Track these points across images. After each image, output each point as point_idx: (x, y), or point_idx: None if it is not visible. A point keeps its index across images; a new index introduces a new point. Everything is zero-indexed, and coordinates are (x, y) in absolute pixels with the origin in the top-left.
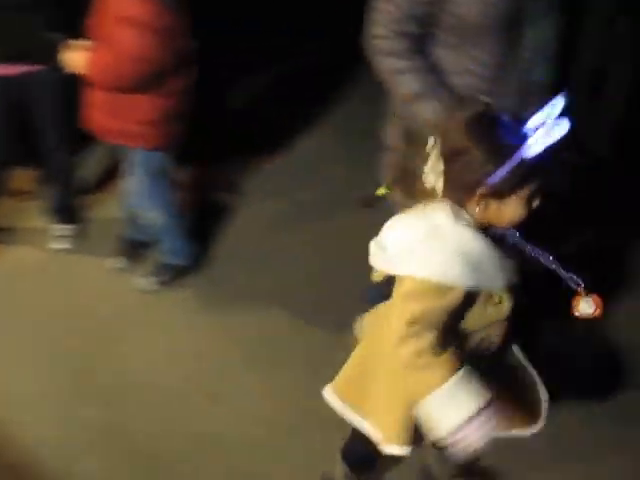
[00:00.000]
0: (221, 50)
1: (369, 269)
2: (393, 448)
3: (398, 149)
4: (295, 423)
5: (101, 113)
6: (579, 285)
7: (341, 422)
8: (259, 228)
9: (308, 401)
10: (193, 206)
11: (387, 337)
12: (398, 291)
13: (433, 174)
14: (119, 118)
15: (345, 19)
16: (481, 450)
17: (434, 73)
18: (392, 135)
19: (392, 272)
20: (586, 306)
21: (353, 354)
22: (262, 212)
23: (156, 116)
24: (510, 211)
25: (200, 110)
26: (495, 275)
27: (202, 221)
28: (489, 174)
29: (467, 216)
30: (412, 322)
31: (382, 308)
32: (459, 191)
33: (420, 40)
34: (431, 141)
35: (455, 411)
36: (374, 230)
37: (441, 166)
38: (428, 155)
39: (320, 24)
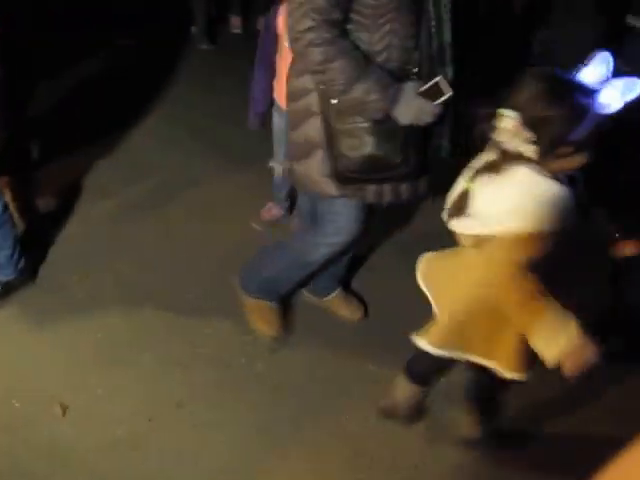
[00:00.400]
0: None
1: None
2: (514, 375)
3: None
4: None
5: None
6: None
7: None
8: (90, 229)
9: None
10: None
11: (494, 285)
12: (501, 245)
13: (518, 140)
14: None
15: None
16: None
17: (363, 55)
18: (314, 129)
19: (491, 232)
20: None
21: (440, 307)
22: (91, 212)
23: None
24: (581, 158)
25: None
26: (572, 214)
27: (29, 230)
28: (572, 133)
29: (546, 169)
30: (520, 268)
31: (453, 259)
32: (546, 151)
33: (343, 25)
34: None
35: (563, 336)
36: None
37: (527, 134)
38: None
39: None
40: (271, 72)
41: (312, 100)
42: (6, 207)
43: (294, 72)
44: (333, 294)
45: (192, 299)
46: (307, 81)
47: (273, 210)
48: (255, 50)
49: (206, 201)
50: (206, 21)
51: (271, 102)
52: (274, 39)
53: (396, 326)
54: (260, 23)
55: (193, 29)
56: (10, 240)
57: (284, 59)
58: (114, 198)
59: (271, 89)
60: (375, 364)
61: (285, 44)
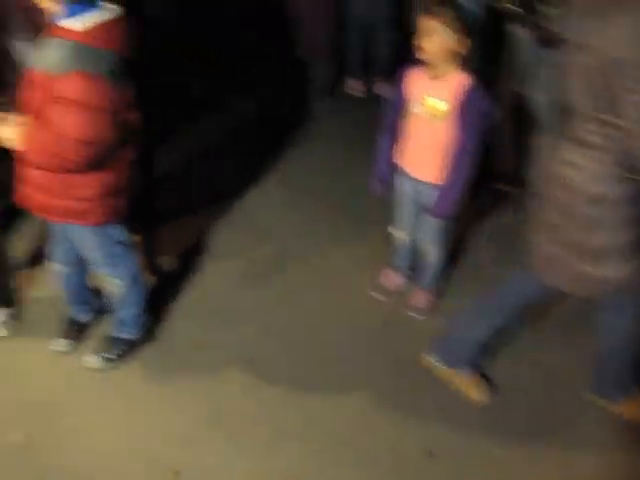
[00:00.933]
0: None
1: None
2: None
3: None
4: None
5: (39, 191)
6: None
7: None
8: (210, 293)
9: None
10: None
11: None
12: None
13: None
14: (59, 196)
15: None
16: None
17: None
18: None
19: None
20: None
21: None
22: (210, 275)
23: (99, 192)
24: None
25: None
26: None
27: (151, 289)
28: None
29: None
30: None
31: None
32: None
33: None
34: None
35: None
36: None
37: None
38: None
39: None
40: (396, 138)
41: (610, 207)
42: (139, 266)
43: (591, 177)
44: (468, 369)
45: (309, 369)
46: (608, 188)
47: (393, 278)
48: (374, 114)
49: (324, 266)
50: (325, 82)
51: (394, 168)
52: (400, 106)
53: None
54: (380, 88)
55: (312, 89)
56: (140, 299)
57: (411, 125)
58: (233, 261)
59: (394, 155)
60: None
61: (414, 110)
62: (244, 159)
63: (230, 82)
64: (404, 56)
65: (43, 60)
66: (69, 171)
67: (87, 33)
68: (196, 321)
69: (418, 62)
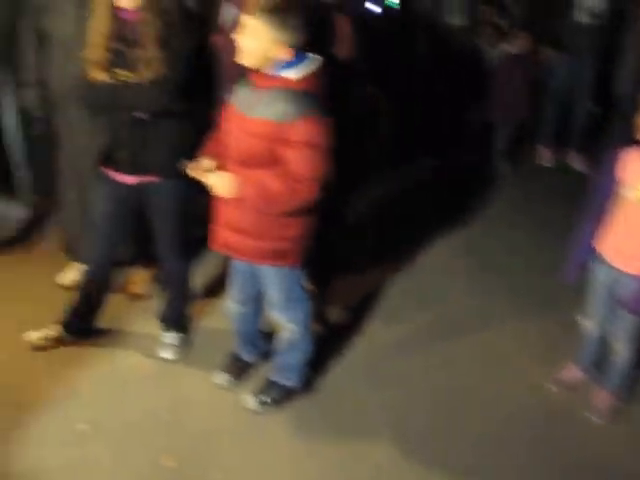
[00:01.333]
0: None
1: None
2: None
3: None
4: None
5: (241, 234)
6: None
7: None
8: (374, 353)
9: None
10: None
11: None
12: None
13: None
14: (265, 238)
15: None
16: None
17: None
18: None
19: None
20: None
21: None
22: (378, 334)
23: (301, 233)
24: None
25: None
26: None
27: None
28: None
29: None
30: None
31: None
32: None
33: None
34: None
35: None
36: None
37: None
38: None
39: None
40: (599, 221)
41: None
42: (311, 313)
43: None
44: None
45: (468, 445)
46: None
47: (572, 371)
48: (563, 185)
49: (493, 342)
50: (514, 148)
51: (593, 253)
52: (609, 188)
53: None
54: (574, 160)
55: (499, 154)
56: (307, 347)
57: (620, 211)
58: (400, 322)
59: (595, 238)
60: None
61: (626, 195)
62: (425, 219)
63: (418, 138)
64: (600, 129)
65: (268, 110)
66: (291, 212)
67: (305, 81)
68: (355, 378)
69: (636, 142)
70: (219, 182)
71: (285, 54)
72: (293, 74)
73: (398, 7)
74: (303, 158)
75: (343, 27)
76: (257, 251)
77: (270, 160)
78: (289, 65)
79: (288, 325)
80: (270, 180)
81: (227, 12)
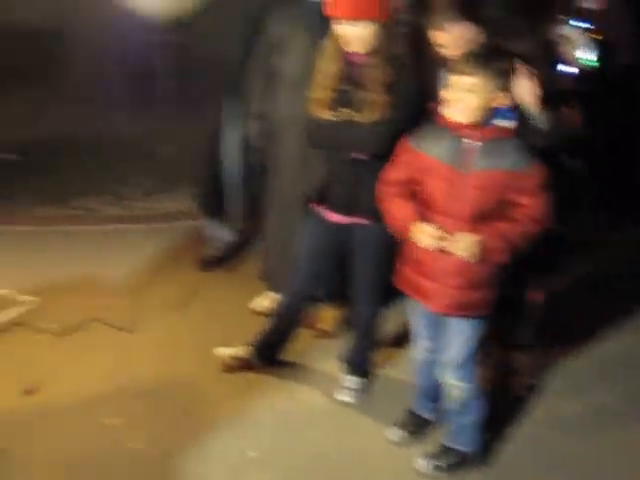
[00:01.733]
0: None
1: None
2: None
3: None
4: None
5: (453, 287)
6: None
7: None
8: (549, 431)
9: None
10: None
11: None
12: None
13: None
14: (477, 288)
15: None
16: None
17: None
18: None
19: None
20: None
21: None
22: (554, 411)
23: (498, 280)
24: None
25: None
26: None
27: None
28: None
29: None
30: None
31: None
32: None
33: None
34: None
35: None
36: None
37: None
38: None
39: None
40: None
41: None
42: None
43: None
44: None
45: None
46: None
47: None
48: None
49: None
50: None
51: None
52: None
53: None
54: None
55: None
56: (480, 408)
57: None
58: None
59: None
60: None
61: None
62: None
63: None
64: None
65: (499, 161)
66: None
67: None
68: (532, 454)
69: None
70: (465, 244)
71: (505, 100)
72: (507, 123)
73: (597, 65)
74: (540, 202)
75: None
76: (463, 302)
77: (498, 210)
78: (502, 114)
79: (460, 384)
80: (509, 229)
81: (444, 79)
